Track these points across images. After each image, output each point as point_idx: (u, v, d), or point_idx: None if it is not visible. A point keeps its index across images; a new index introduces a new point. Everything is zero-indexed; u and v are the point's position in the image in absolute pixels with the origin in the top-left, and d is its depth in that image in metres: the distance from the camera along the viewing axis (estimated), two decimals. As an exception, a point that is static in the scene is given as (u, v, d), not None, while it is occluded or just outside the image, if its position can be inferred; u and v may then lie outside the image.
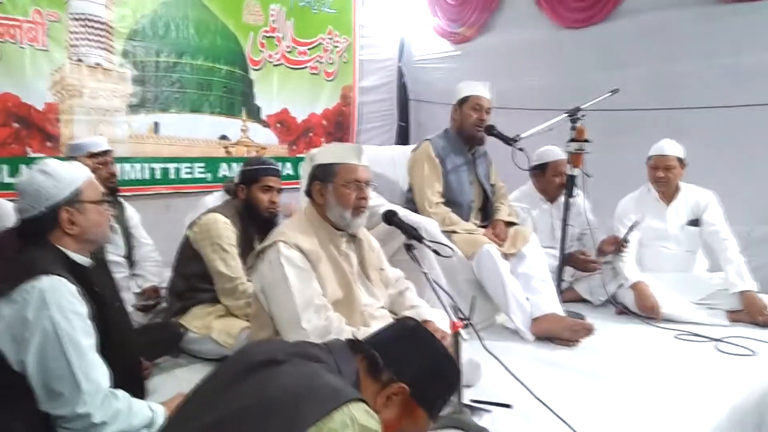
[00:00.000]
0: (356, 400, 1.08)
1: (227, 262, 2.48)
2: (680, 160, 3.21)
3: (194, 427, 1.09)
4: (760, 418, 2.15)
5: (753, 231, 3.70)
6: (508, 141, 2.94)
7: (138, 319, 2.74)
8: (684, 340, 2.72)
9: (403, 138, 5.79)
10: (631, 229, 3.16)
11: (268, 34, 4.78)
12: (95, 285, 1.62)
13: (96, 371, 1.47)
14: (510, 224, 3.07)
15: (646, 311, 2.99)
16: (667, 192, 3.26)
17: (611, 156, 3.82)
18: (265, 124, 4.84)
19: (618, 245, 3.19)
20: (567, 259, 3.16)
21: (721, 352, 2.55)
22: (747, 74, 3.70)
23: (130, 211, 3.28)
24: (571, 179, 3.02)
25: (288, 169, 4.92)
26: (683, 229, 3.22)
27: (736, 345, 2.58)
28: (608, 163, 3.76)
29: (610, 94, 3.15)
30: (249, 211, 2.62)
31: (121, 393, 1.53)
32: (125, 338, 1.74)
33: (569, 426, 1.74)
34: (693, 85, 3.92)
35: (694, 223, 3.21)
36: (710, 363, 2.42)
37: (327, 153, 2.10)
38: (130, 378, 1.69)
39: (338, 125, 5.36)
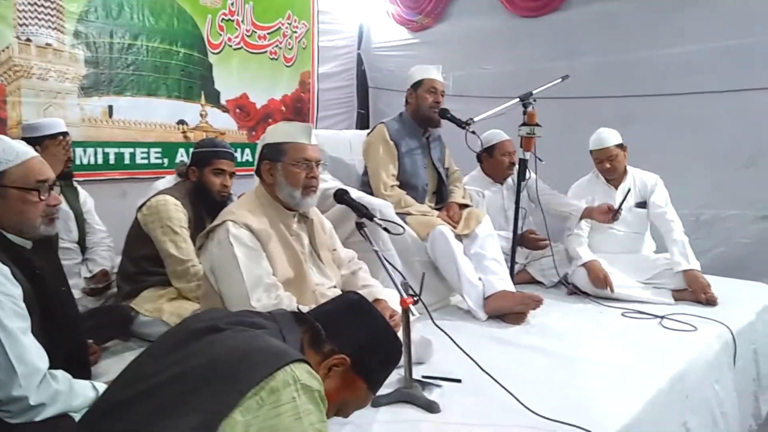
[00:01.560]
0: (299, 361, 1.10)
1: (178, 245, 2.45)
2: (620, 145, 3.30)
3: (136, 390, 1.09)
4: (704, 388, 2.26)
5: (701, 215, 3.85)
6: (461, 124, 2.98)
7: (88, 303, 2.70)
8: (630, 317, 2.82)
9: (363, 125, 5.79)
10: (625, 198, 3.20)
11: (226, 17, 4.71)
12: (36, 267, 1.57)
13: (30, 353, 1.42)
14: (464, 206, 3.12)
15: (599, 284, 3.08)
16: (616, 177, 3.35)
17: (565, 142, 3.91)
18: (225, 109, 4.78)
19: (614, 214, 3.21)
20: (519, 240, 3.24)
21: (665, 328, 2.65)
22: (694, 63, 3.83)
23: (84, 196, 3.21)
24: (524, 163, 3.08)
25: (247, 155, 4.88)
26: (631, 211, 3.32)
27: (679, 321, 2.68)
28: (562, 150, 3.88)
29: (560, 80, 3.23)
30: (200, 193, 2.60)
31: (61, 374, 1.50)
32: (69, 322, 1.70)
33: (516, 398, 1.78)
34: (642, 73, 4.04)
35: (642, 205, 3.32)
36: (654, 339, 2.52)
37: (276, 132, 2.08)
38: (74, 361, 1.65)
39: (297, 111, 5.33)
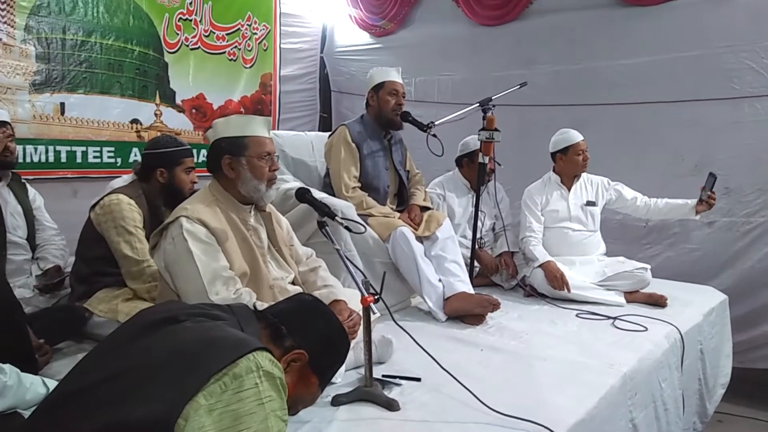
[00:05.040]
0: (261, 349, 1.11)
1: (132, 245, 2.38)
2: None
3: (93, 379, 1.07)
4: (651, 386, 2.33)
5: (649, 220, 3.98)
6: (423, 127, 3.02)
7: (39, 303, 2.60)
8: (584, 318, 2.89)
9: (325, 129, 5.77)
10: (713, 182, 3.23)
11: (184, 17, 4.64)
12: None
13: None
14: (425, 209, 3.15)
15: (556, 283, 3.15)
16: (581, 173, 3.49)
17: (523, 149, 4.00)
18: (180, 109, 4.70)
19: (708, 199, 3.24)
20: (476, 255, 3.29)
21: (617, 328, 2.73)
22: (645, 74, 3.95)
23: (33, 193, 3.12)
24: (483, 167, 3.13)
25: (203, 155, 4.79)
26: (583, 209, 3.44)
27: (631, 322, 2.77)
28: (520, 156, 3.96)
29: (518, 86, 3.30)
30: (171, 194, 2.50)
31: (8, 368, 1.45)
32: (9, 315, 1.64)
33: (475, 396, 1.81)
34: (596, 82, 4.15)
35: (592, 203, 3.45)
36: (607, 338, 2.59)
37: (231, 126, 2.04)
38: (17, 356, 1.60)
39: (258, 113, 5.27)
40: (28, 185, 3.12)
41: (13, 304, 1.76)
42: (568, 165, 3.44)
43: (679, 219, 3.50)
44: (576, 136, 3.42)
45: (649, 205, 3.42)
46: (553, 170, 3.53)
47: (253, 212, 2.10)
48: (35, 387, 1.48)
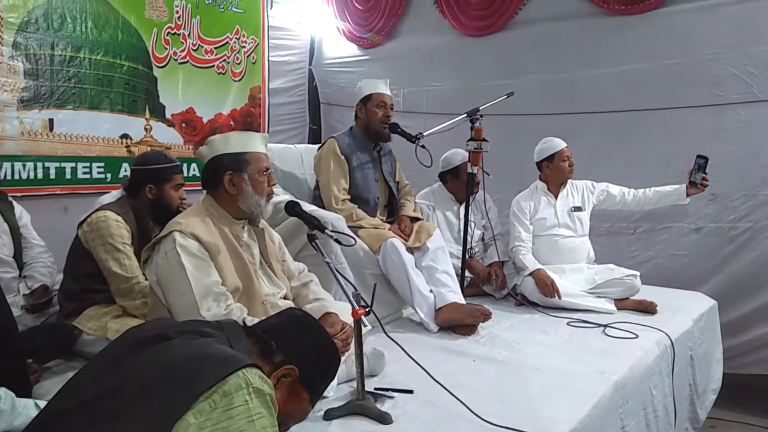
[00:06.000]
0: (250, 366, 1.10)
1: (121, 262, 2.38)
2: None
3: (83, 398, 1.06)
4: (642, 393, 2.34)
5: (638, 227, 4.01)
6: (411, 138, 3.04)
7: (27, 322, 2.58)
8: (575, 326, 2.90)
9: (315, 141, 5.79)
10: (702, 165, 3.24)
11: (173, 31, 4.66)
12: None
13: None
14: (415, 219, 3.16)
15: (546, 290, 3.16)
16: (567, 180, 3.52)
17: (511, 158, 4.02)
18: (170, 124, 4.70)
19: (702, 181, 3.28)
20: (467, 264, 3.29)
21: (608, 336, 2.74)
22: (629, 82, 3.99)
23: (20, 211, 3.10)
24: (471, 177, 3.15)
25: (194, 169, 4.81)
26: (570, 215, 3.46)
27: (621, 330, 2.78)
28: (509, 165, 3.98)
29: (506, 96, 3.33)
30: (159, 210, 2.50)
31: (3, 392, 1.44)
32: (6, 333, 1.63)
33: (467, 407, 1.82)
34: (582, 91, 4.18)
35: (578, 209, 3.48)
36: (598, 346, 2.60)
37: (231, 142, 2.06)
38: (12, 377, 1.59)
39: (247, 126, 5.28)
40: (14, 203, 3.10)
41: (11, 323, 1.75)
42: (555, 172, 3.46)
43: (671, 205, 3.53)
44: (560, 143, 3.45)
45: (639, 196, 3.47)
46: (540, 179, 3.55)
47: (246, 228, 2.10)
48: (27, 410, 1.47)
